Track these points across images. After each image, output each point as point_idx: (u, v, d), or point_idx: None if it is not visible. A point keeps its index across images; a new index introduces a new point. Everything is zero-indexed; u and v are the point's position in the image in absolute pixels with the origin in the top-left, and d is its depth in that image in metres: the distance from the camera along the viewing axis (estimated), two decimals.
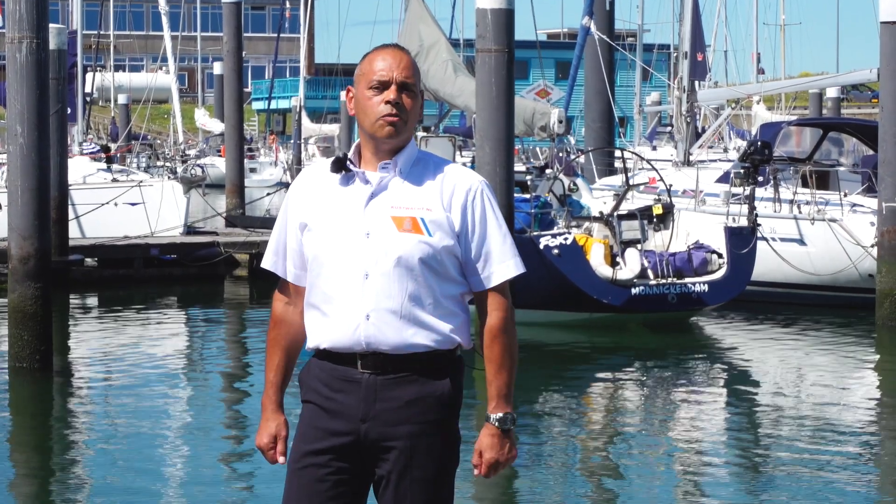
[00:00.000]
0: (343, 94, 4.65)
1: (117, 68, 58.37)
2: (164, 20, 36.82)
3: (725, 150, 31.37)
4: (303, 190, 4.36)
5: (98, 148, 31.02)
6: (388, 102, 4.23)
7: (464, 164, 16.64)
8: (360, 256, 4.21)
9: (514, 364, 4.37)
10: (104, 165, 26.59)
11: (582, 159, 24.36)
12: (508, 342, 4.32)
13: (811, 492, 9.25)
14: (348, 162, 4.30)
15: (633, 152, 22.83)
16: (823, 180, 20.60)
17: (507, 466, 4.35)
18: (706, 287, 17.12)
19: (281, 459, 4.38)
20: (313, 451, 4.28)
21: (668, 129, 35.37)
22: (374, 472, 4.30)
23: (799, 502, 9.02)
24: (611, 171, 24.80)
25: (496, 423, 4.34)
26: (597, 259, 16.79)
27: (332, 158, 4.34)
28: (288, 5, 49.31)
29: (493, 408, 4.34)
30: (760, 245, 18.32)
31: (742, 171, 19.32)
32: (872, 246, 18.11)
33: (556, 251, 16.50)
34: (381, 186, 4.26)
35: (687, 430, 11.62)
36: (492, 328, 4.31)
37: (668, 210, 17.81)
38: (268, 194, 29.52)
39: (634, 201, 18.90)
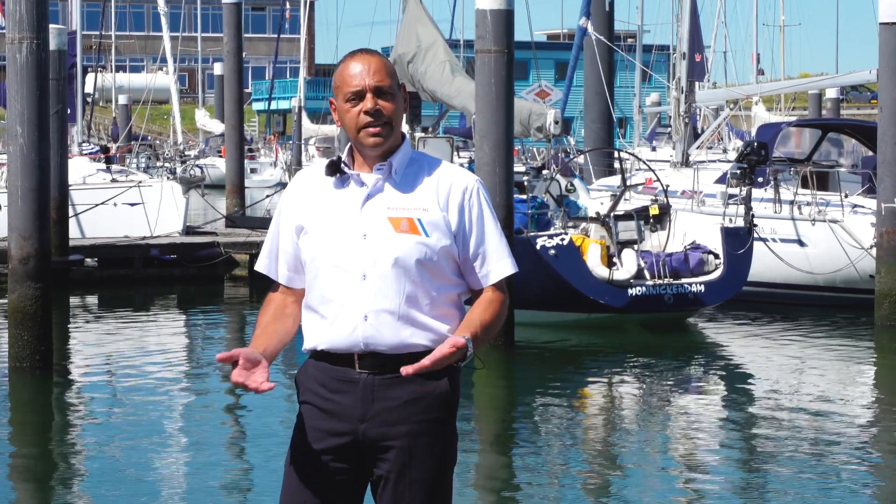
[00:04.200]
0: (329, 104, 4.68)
1: (118, 69, 58.37)
2: (164, 21, 36.83)
3: (725, 151, 31.40)
4: (297, 193, 4.38)
5: (97, 148, 31.09)
6: (366, 112, 4.24)
7: (461, 165, 16.68)
8: (358, 258, 4.23)
9: (493, 332, 4.34)
10: (103, 166, 26.63)
11: (581, 160, 24.39)
12: (499, 314, 4.32)
13: (811, 492, 9.28)
14: (343, 164, 4.32)
15: (630, 153, 22.86)
16: (823, 181, 20.62)
17: (433, 366, 4.13)
18: (703, 287, 17.15)
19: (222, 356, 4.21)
20: (312, 451, 4.30)
21: (668, 129, 35.41)
22: (372, 472, 4.32)
23: (798, 503, 9.06)
24: (610, 171, 24.84)
25: (469, 344, 4.18)
26: (593, 259, 16.82)
27: (327, 162, 4.35)
28: (288, 6, 49.33)
29: (467, 332, 4.22)
30: (761, 245, 18.36)
31: (738, 171, 19.35)
32: (871, 247, 18.14)
33: (552, 252, 16.53)
34: (377, 188, 4.28)
35: (685, 431, 11.65)
36: (489, 298, 4.32)
37: (665, 211, 17.84)
38: (267, 196, 29.56)
39: (632, 202, 18.93)
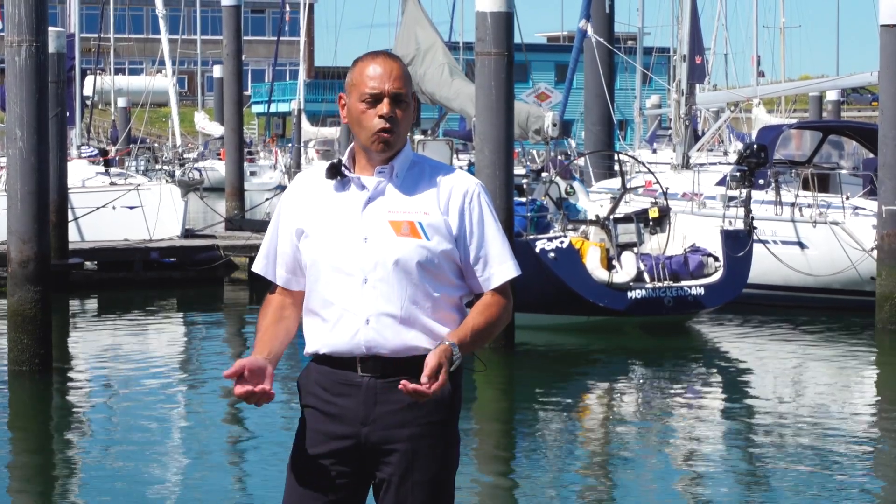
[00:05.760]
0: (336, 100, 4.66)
1: (117, 71, 58.39)
2: (162, 23, 36.83)
3: (725, 154, 31.41)
4: (298, 196, 4.37)
5: (96, 151, 31.07)
6: (381, 117, 4.23)
7: (460, 168, 16.64)
8: (359, 261, 4.22)
9: (488, 336, 4.32)
10: (102, 169, 26.61)
11: (581, 162, 24.38)
12: (497, 317, 4.31)
13: (811, 494, 9.27)
14: (343, 167, 4.32)
15: (630, 155, 22.86)
16: (824, 183, 20.62)
17: (432, 395, 4.09)
18: (702, 290, 17.13)
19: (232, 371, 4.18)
20: (314, 454, 4.29)
21: (669, 132, 35.42)
22: (374, 475, 4.31)
23: None
24: (610, 174, 24.83)
25: (454, 349, 4.16)
26: (593, 262, 16.80)
27: (327, 164, 4.34)
28: (287, 8, 49.34)
29: (454, 338, 4.20)
30: (761, 248, 18.34)
31: (738, 174, 19.35)
32: (872, 249, 18.13)
33: (552, 254, 16.51)
34: (378, 191, 4.27)
35: (685, 434, 11.63)
36: (487, 301, 4.32)
37: (665, 213, 17.82)
38: (267, 199, 29.57)
39: (631, 204, 18.91)
